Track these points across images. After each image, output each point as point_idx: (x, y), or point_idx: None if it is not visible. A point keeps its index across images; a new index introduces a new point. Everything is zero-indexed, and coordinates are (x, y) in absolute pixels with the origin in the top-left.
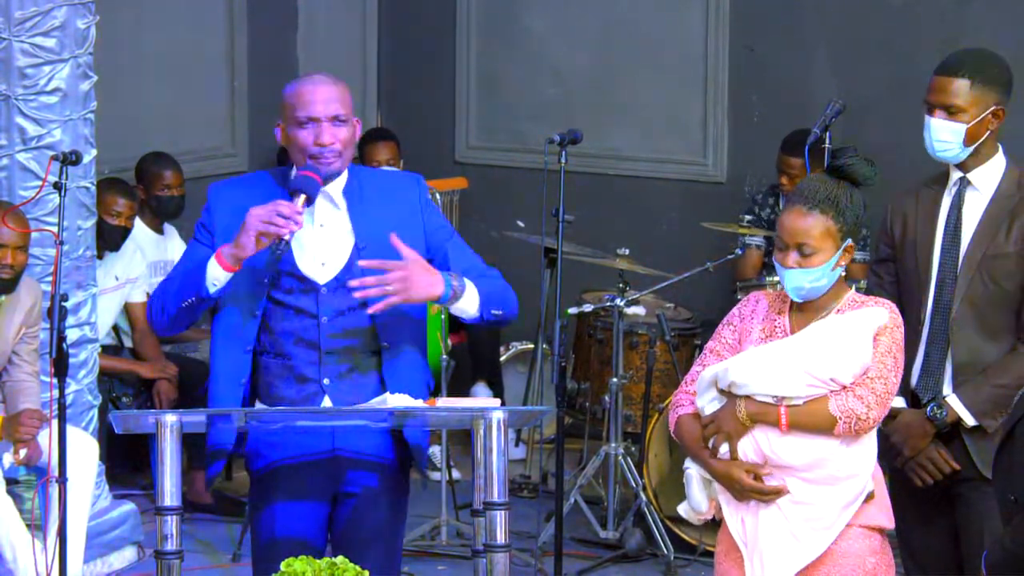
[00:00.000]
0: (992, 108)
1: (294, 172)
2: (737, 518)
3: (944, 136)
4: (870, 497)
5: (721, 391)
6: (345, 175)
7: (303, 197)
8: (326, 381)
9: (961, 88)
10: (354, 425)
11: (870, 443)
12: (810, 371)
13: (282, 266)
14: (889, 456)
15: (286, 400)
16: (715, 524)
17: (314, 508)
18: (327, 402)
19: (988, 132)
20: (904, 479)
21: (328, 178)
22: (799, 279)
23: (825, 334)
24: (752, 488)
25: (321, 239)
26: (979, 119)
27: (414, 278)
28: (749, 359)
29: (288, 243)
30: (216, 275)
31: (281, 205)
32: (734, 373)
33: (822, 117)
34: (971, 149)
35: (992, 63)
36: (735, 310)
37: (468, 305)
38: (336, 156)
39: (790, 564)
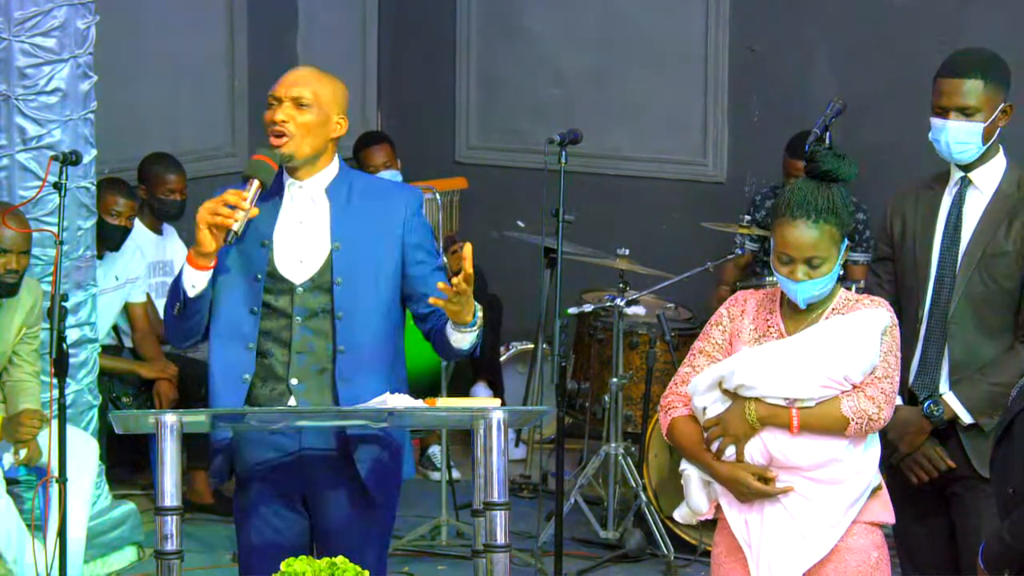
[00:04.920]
0: (1002, 106)
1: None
2: (740, 519)
3: (963, 137)
4: (878, 489)
5: (726, 392)
6: (333, 172)
7: (256, 183)
8: (294, 381)
9: (975, 88)
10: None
11: (874, 442)
12: (824, 371)
13: (263, 265)
14: (885, 453)
15: (259, 399)
16: (714, 524)
17: (288, 510)
18: (292, 402)
19: (999, 130)
20: (900, 476)
21: (286, 161)
22: (810, 290)
23: (833, 334)
24: (759, 491)
25: (300, 236)
26: (993, 118)
27: (468, 297)
28: (757, 361)
29: (236, 233)
30: (192, 277)
31: (228, 194)
32: (742, 375)
33: (822, 117)
34: (985, 148)
35: (998, 61)
36: (723, 310)
37: (471, 338)
38: (290, 136)
39: (798, 563)
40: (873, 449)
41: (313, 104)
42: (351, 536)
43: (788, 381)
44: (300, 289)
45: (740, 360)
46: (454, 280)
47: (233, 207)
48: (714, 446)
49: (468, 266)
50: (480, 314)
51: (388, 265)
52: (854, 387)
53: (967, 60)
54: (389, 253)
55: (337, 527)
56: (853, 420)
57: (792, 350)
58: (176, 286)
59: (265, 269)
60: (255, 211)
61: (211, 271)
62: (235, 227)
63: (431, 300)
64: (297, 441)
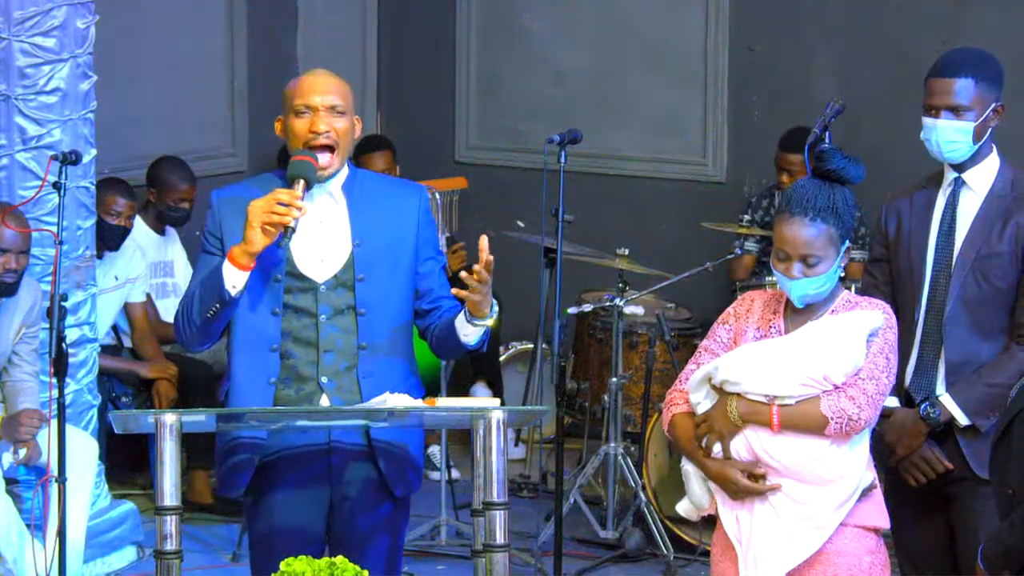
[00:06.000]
0: (994, 105)
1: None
2: (732, 516)
3: (954, 137)
4: (871, 489)
5: (714, 388)
6: (345, 172)
7: (302, 182)
8: (324, 379)
9: (966, 88)
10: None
11: (861, 444)
12: (804, 370)
13: (282, 265)
14: (883, 456)
15: (286, 400)
16: (714, 523)
17: (311, 498)
18: (324, 401)
19: (990, 129)
20: (898, 479)
21: (323, 167)
22: (805, 288)
23: (819, 334)
24: (747, 488)
25: (321, 235)
26: (984, 117)
27: (488, 290)
28: (741, 357)
29: (294, 230)
30: (233, 277)
31: (280, 193)
32: (726, 371)
33: (822, 117)
34: (977, 147)
35: (989, 61)
36: (730, 309)
37: (481, 332)
38: (335, 142)
39: (783, 562)
40: (860, 450)
41: (346, 111)
42: (370, 534)
43: (769, 378)
44: (323, 287)
45: (725, 356)
46: (475, 268)
47: (286, 205)
48: (704, 443)
49: (486, 256)
50: (496, 308)
51: (404, 260)
52: (836, 388)
53: (958, 60)
54: (405, 249)
55: (357, 524)
56: (832, 420)
57: (777, 348)
58: (214, 289)
59: (284, 269)
60: (305, 210)
61: (250, 272)
62: (292, 225)
63: (454, 292)
64: (326, 436)
